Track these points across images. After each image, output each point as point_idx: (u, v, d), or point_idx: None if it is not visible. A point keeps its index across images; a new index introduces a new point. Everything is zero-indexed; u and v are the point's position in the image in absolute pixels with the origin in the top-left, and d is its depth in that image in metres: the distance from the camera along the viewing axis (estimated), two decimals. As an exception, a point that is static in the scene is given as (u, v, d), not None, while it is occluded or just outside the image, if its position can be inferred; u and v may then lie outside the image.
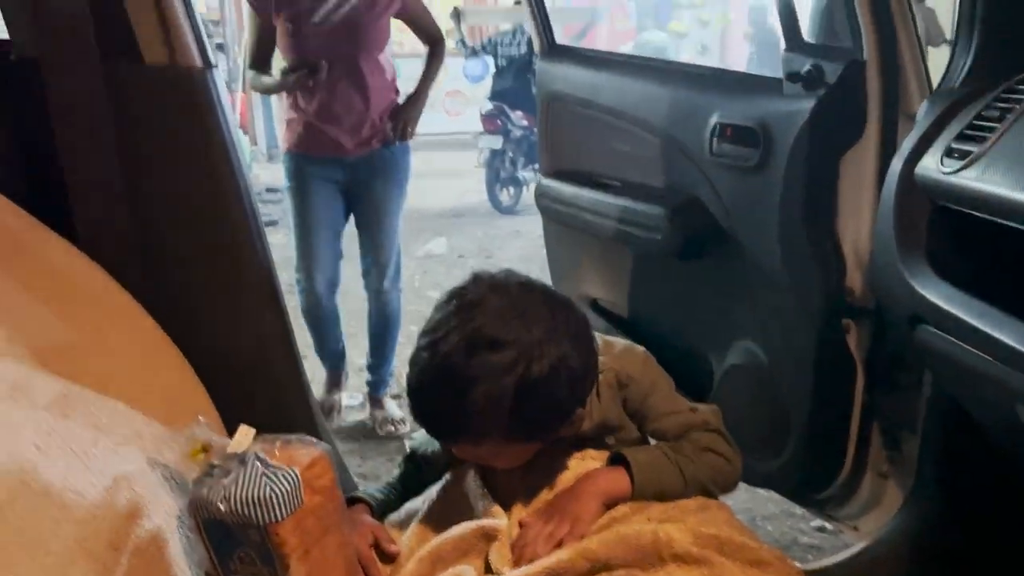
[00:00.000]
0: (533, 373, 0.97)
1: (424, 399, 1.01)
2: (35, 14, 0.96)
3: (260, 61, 2.56)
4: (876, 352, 1.53)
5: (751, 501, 2.30)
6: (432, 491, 1.13)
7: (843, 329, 1.53)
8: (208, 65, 1.09)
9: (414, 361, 1.01)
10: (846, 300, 1.52)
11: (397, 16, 2.55)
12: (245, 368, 1.10)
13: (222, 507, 0.83)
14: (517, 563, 0.98)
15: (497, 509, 1.07)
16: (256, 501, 0.82)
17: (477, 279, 1.03)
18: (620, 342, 1.23)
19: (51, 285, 0.98)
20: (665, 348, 1.91)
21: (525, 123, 6.15)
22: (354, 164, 2.55)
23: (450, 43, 7.38)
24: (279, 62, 2.59)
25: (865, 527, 1.65)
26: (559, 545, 0.99)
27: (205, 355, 1.05)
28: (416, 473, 1.24)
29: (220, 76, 1.09)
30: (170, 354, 1.01)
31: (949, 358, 1.17)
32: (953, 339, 1.14)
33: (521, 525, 1.04)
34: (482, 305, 0.99)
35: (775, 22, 1.60)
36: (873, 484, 1.61)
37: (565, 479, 1.10)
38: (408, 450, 1.27)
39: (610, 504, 1.06)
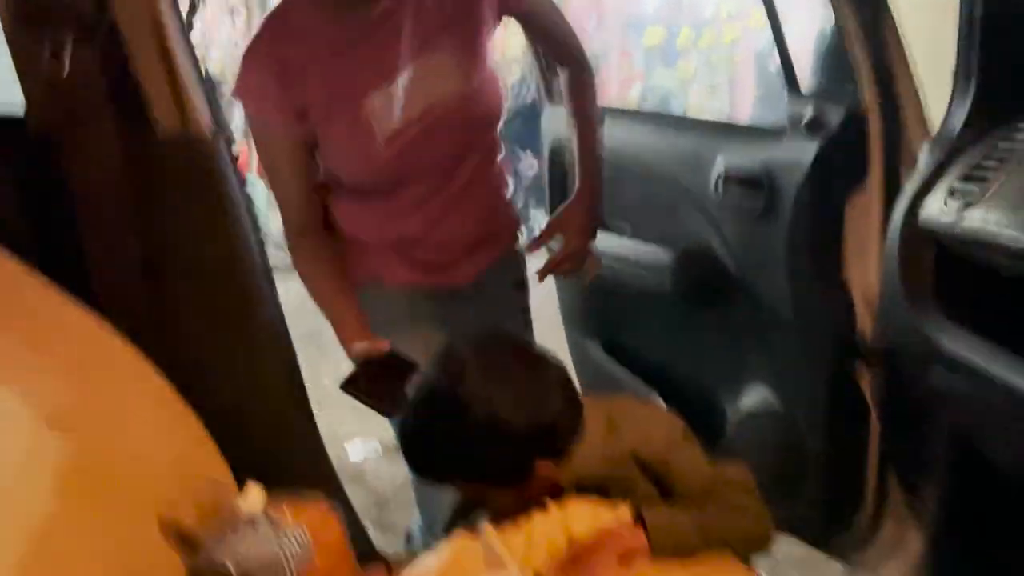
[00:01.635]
0: (474, 424, 1.04)
1: (404, 448, 1.11)
2: (53, 91, 1.00)
3: (311, 228, 1.40)
4: (891, 395, 1.52)
5: (779, 548, 2.27)
6: (444, 546, 1.13)
7: (857, 373, 1.53)
8: (220, 130, 1.12)
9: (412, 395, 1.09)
10: (858, 343, 1.52)
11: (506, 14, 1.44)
12: (258, 426, 1.12)
13: (232, 570, 0.83)
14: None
15: (510, 564, 1.06)
16: (267, 564, 0.82)
17: (456, 343, 1.12)
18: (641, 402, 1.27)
19: (66, 350, 0.99)
20: (677, 392, 1.92)
21: (535, 162, 6.20)
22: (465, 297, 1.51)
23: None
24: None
25: (888, 574, 1.62)
26: None
27: (217, 414, 1.06)
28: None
29: (230, 144, 1.12)
30: (183, 415, 1.02)
31: (963, 400, 1.17)
32: (966, 381, 1.14)
33: None
34: (451, 365, 1.07)
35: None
36: (893, 530, 1.59)
37: (580, 531, 1.10)
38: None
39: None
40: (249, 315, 1.08)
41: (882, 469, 1.56)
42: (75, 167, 1.00)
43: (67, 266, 1.05)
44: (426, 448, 1.09)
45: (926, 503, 1.51)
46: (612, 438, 1.17)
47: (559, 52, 1.58)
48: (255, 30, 1.38)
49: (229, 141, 1.10)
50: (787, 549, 2.25)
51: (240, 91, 1.31)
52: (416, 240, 1.44)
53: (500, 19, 1.43)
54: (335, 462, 3.20)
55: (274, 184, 1.35)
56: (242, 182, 1.10)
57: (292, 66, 1.31)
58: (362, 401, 1.30)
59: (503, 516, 1.13)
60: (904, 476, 1.55)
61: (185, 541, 0.90)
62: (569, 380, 1.13)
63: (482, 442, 1.05)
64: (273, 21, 1.36)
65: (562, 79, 1.57)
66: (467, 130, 1.42)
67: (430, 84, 1.36)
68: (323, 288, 1.39)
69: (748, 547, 1.11)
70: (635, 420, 1.18)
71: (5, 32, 1.00)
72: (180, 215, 1.06)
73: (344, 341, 1.36)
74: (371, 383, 1.31)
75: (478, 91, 1.40)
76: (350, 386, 1.30)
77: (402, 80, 1.35)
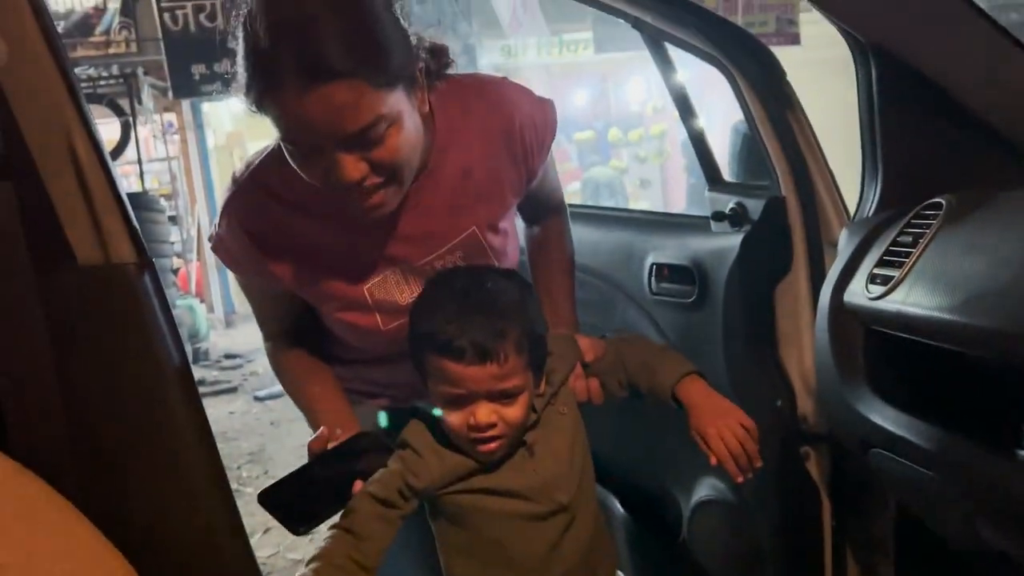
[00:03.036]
0: (532, 305, 1.20)
1: (472, 321, 1.12)
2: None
3: (291, 333, 1.37)
4: (838, 477, 1.52)
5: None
6: None
7: (802, 457, 1.53)
8: (143, 259, 1.10)
9: (448, 313, 1.13)
10: (801, 427, 1.53)
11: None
12: (194, 563, 1.06)
13: None
14: (737, 473, 1.21)
15: None
16: None
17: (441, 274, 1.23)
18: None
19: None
20: (633, 489, 1.90)
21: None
22: None
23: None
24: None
25: (853, 659, 1.59)
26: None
27: (151, 556, 1.01)
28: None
29: (155, 268, 1.10)
30: (112, 564, 0.97)
31: (904, 480, 1.17)
32: (905, 461, 1.15)
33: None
34: (468, 288, 1.16)
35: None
36: (855, 612, 1.57)
37: None
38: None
39: None
40: (177, 444, 1.04)
41: (837, 551, 1.55)
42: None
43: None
44: (486, 329, 1.11)
45: (884, 584, 1.50)
46: None
47: (549, 206, 1.47)
48: (233, 179, 1.22)
49: (152, 269, 1.08)
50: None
51: (217, 248, 1.25)
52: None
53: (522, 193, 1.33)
54: (285, 586, 3.06)
55: (252, 305, 1.35)
56: (165, 307, 1.07)
57: (276, 234, 1.20)
58: (274, 515, 1.19)
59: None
60: (859, 556, 1.54)
61: None
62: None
63: (529, 334, 1.15)
64: (260, 175, 1.20)
65: (539, 230, 1.50)
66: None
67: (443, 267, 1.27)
68: (300, 382, 1.36)
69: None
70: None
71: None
72: (102, 344, 1.03)
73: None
74: (295, 495, 1.21)
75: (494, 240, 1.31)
76: (268, 497, 1.20)
77: (409, 271, 1.25)
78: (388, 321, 1.26)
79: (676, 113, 1.69)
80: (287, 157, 1.09)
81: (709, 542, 1.71)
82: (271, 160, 1.19)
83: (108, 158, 1.10)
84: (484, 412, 1.14)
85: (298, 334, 1.36)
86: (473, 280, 1.18)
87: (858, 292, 1.24)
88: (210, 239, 1.25)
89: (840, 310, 1.27)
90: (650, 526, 1.84)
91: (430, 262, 1.26)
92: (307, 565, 1.14)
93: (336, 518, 1.20)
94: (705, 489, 1.73)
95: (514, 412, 1.15)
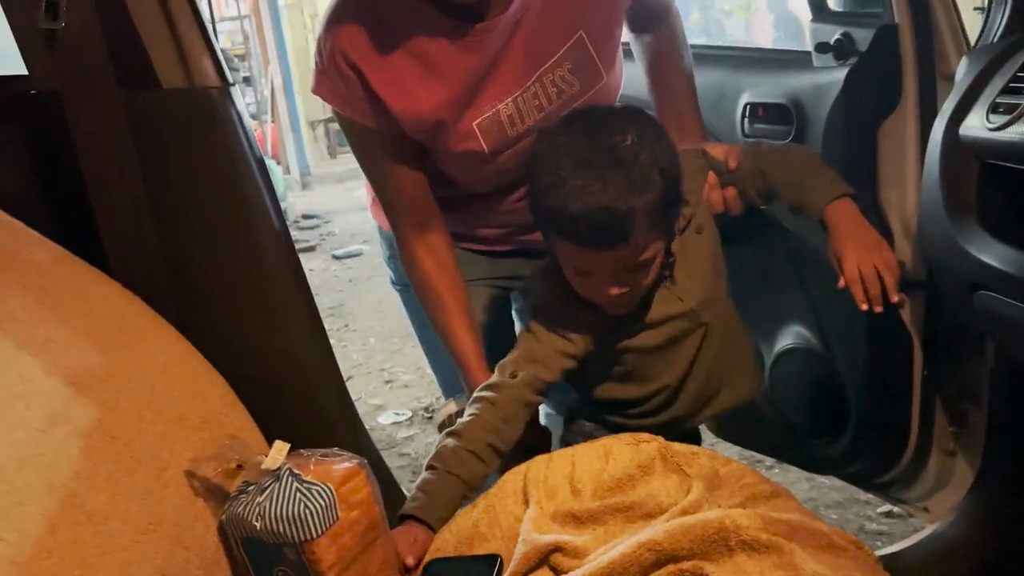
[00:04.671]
0: (664, 148, 1.07)
1: (595, 205, 1.01)
2: (52, 47, 0.97)
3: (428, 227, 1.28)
4: (933, 325, 1.47)
5: (813, 491, 2.24)
6: (478, 507, 1.07)
7: (897, 304, 1.48)
8: (226, 83, 1.09)
9: (569, 193, 1.01)
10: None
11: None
12: (284, 384, 1.10)
13: (257, 525, 0.81)
14: (862, 299, 1.12)
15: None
16: (290, 518, 0.81)
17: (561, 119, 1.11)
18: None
19: (86, 315, 0.98)
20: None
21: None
22: None
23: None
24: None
25: (936, 509, 1.58)
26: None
27: (243, 373, 1.04)
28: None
29: (239, 93, 1.09)
30: (207, 375, 1.00)
31: (1012, 323, 1.11)
32: (1015, 302, 1.09)
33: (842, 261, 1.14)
34: (596, 129, 1.06)
35: (794, 7, 1.56)
36: (940, 463, 1.55)
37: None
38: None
39: None
40: (267, 263, 1.05)
41: (926, 402, 1.51)
42: (80, 123, 0.97)
43: (79, 230, 1.03)
44: (611, 213, 1.01)
45: (974, 433, 1.47)
46: None
47: (658, 8, 1.37)
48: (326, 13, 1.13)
49: (231, 94, 1.07)
50: (824, 492, 2.23)
51: (319, 89, 1.14)
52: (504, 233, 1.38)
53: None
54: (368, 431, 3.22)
55: (376, 187, 1.25)
56: (248, 132, 1.06)
57: (378, 71, 1.12)
58: None
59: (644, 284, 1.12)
60: (950, 407, 1.50)
61: (212, 495, 0.89)
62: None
63: (666, 190, 1.05)
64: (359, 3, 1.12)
65: (651, 38, 1.39)
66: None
67: (554, 91, 1.21)
68: (444, 318, 1.27)
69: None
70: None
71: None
72: (190, 165, 1.03)
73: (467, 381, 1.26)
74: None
75: (605, 84, 1.26)
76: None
77: (520, 95, 1.20)
78: (497, 150, 1.22)
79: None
80: None
81: (791, 390, 1.70)
82: None
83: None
84: (612, 290, 1.10)
85: (429, 232, 1.27)
86: (595, 137, 1.04)
87: (976, 124, 1.15)
88: (312, 90, 1.16)
89: (954, 144, 1.18)
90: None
91: (539, 78, 1.20)
92: (448, 436, 1.11)
93: None
94: (789, 337, 1.70)
95: (646, 277, 1.11)
